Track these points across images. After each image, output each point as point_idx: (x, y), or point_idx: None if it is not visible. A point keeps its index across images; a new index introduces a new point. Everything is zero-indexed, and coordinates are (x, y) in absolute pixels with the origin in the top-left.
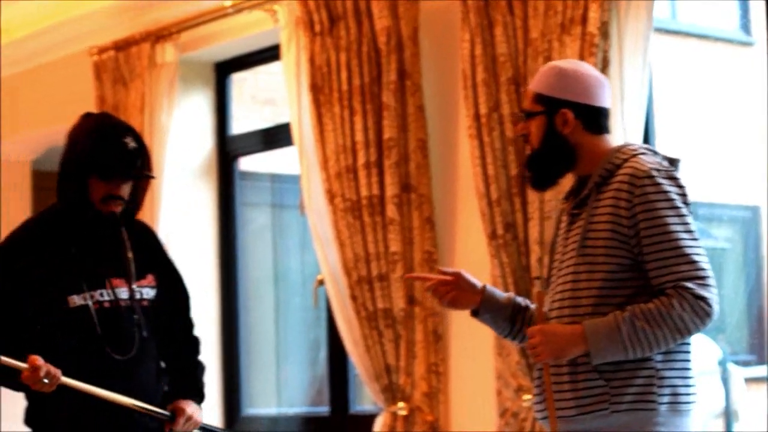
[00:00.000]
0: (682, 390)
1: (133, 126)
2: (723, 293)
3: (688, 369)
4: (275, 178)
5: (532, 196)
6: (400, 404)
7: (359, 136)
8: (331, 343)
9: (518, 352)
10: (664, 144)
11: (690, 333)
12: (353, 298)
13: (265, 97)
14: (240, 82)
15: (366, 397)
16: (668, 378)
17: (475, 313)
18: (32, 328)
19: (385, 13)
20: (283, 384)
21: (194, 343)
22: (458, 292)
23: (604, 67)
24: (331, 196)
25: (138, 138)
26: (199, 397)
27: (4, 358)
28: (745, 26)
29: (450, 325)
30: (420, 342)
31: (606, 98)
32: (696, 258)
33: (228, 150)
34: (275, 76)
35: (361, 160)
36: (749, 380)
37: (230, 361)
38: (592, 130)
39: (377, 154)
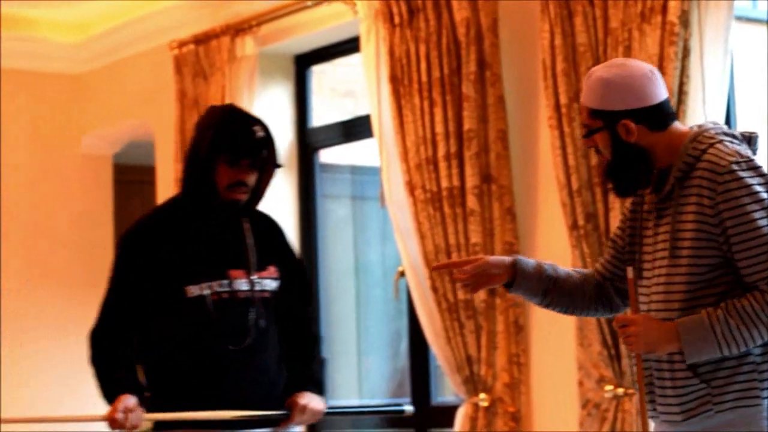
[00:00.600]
0: None
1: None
2: None
3: None
4: (355, 170)
5: None
6: (482, 395)
7: (439, 128)
8: (412, 334)
9: (600, 342)
10: None
11: None
12: (434, 289)
13: (345, 89)
14: (320, 74)
15: (447, 389)
16: None
17: (508, 286)
18: (150, 317)
19: (464, 4)
20: (364, 376)
21: (314, 337)
22: (479, 278)
23: (685, 57)
24: (411, 188)
25: (266, 129)
26: (316, 387)
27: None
28: None
29: (531, 315)
30: (501, 333)
31: (659, 91)
32: None
33: (308, 142)
34: (355, 68)
35: (441, 151)
36: None
37: None
38: (657, 128)
39: (457, 145)
